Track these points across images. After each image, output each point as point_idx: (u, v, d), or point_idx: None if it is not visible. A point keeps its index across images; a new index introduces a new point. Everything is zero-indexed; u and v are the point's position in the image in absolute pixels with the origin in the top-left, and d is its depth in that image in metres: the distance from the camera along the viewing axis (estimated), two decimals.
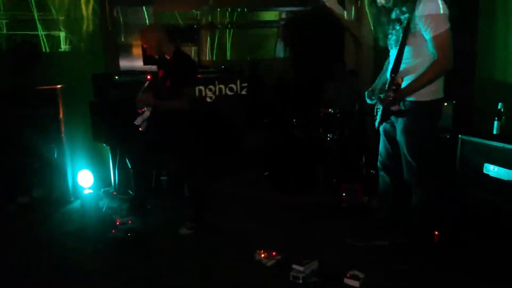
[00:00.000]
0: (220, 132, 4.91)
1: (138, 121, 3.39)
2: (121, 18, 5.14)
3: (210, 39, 6.38)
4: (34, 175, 4.07)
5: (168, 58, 3.38)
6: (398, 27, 2.69)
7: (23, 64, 4.19)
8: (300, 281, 2.64)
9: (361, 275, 2.62)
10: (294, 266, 2.73)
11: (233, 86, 5.01)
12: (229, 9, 6.51)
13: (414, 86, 2.65)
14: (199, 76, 4.27)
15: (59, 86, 4.11)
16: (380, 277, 2.70)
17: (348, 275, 2.63)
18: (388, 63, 2.98)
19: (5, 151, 3.87)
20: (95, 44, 4.78)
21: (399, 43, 2.68)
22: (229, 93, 4.98)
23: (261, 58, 6.34)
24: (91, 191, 3.84)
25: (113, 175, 4.38)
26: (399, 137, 2.82)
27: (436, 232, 3.16)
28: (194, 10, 6.47)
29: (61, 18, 4.57)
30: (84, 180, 4.03)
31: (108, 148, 4.38)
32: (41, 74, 4.29)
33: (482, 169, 3.28)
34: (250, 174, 4.92)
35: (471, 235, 3.20)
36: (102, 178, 4.37)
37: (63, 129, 4.15)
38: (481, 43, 4.01)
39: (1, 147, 3.93)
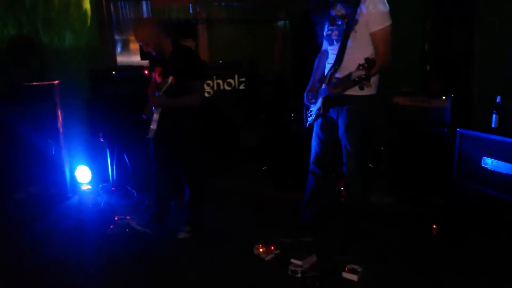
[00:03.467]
0: (218, 127, 4.89)
1: (151, 133, 3.09)
2: (118, 12, 5.11)
3: (208, 34, 6.34)
4: (31, 171, 4.05)
5: (167, 53, 3.12)
6: (340, 22, 2.67)
7: (19, 59, 4.16)
8: (299, 275, 2.64)
9: (359, 269, 2.63)
10: (292, 260, 2.73)
11: (231, 81, 5.00)
12: (228, 4, 6.48)
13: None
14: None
15: (56, 81, 4.09)
16: (378, 271, 2.70)
17: (346, 269, 2.64)
18: (320, 59, 2.97)
19: (2, 147, 3.85)
20: (92, 39, 4.75)
21: (342, 37, 2.65)
22: (227, 88, 4.97)
23: (260, 52, 6.32)
24: (89, 186, 3.83)
25: (111, 171, 4.37)
26: (342, 131, 2.83)
27: (434, 226, 3.16)
28: (192, 5, 6.44)
29: (58, 13, 4.52)
30: (82, 175, 4.02)
31: (105, 143, 4.36)
32: (38, 70, 4.26)
33: (481, 163, 3.28)
34: (248, 169, 4.91)
35: (469, 228, 3.20)
36: (100, 174, 4.35)
37: (60, 124, 4.13)
38: (480, 36, 3.99)
39: None
